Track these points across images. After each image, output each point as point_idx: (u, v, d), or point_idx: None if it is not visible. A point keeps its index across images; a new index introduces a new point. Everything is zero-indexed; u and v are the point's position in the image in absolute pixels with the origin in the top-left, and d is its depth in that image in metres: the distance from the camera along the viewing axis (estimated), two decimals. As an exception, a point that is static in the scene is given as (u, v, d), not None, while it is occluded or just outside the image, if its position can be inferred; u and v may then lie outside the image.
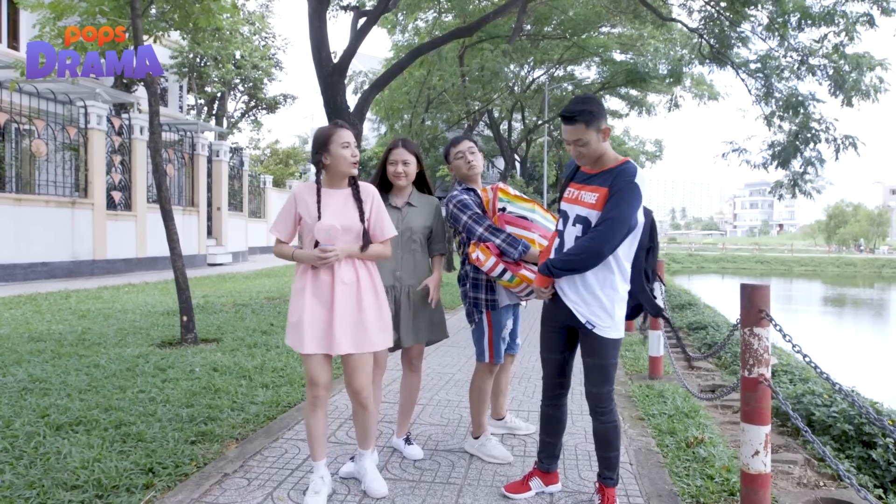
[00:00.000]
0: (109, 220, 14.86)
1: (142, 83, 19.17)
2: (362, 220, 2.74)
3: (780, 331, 2.62)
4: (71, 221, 13.74)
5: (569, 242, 2.63)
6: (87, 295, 10.48)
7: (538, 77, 26.15)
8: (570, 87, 27.36)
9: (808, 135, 10.97)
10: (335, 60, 10.14)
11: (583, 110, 2.52)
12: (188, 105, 24.28)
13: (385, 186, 3.26)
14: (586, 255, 2.52)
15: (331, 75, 9.71)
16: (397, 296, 3.17)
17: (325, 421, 2.78)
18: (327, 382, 2.74)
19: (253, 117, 28.13)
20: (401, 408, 3.41)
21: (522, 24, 16.43)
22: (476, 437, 3.38)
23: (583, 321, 2.60)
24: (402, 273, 3.19)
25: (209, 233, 19.84)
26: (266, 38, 25.84)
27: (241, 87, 25.69)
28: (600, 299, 2.58)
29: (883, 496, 3.28)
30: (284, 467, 3.12)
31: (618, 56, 21.66)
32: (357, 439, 2.94)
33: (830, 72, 9.78)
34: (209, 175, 19.74)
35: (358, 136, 10.64)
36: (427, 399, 4.57)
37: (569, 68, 25.77)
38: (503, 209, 3.16)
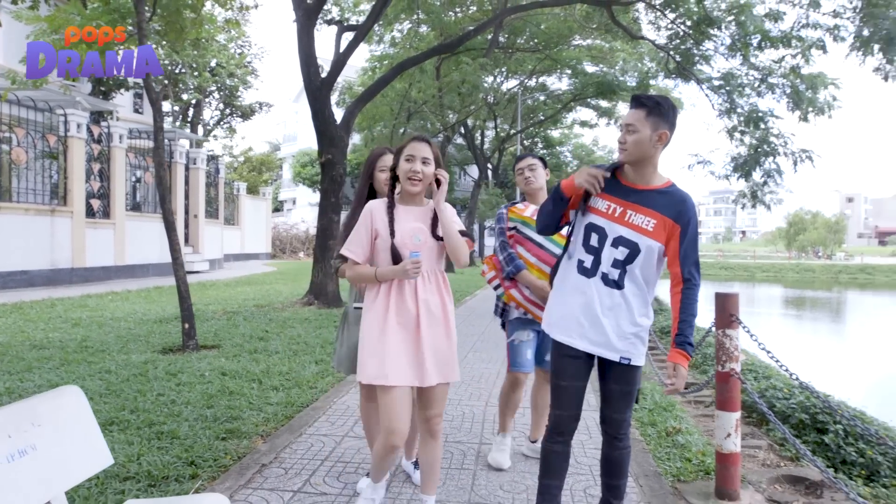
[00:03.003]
0: (88, 227, 14.87)
1: (120, 91, 19.19)
2: (434, 235, 2.55)
3: (749, 332, 3.08)
4: (50, 229, 13.73)
5: (606, 264, 2.41)
6: (73, 303, 10.57)
7: (511, 88, 26.80)
8: (542, 97, 28.12)
9: (768, 148, 11.69)
10: (323, 75, 10.47)
11: (652, 99, 2.36)
12: (165, 112, 24.26)
13: (370, 195, 3.03)
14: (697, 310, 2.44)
15: (319, 89, 10.04)
16: None
17: (395, 457, 2.60)
18: (406, 431, 2.47)
19: (227, 124, 28.14)
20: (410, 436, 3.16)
21: (498, 38, 16.99)
22: (497, 434, 3.56)
23: (617, 359, 2.42)
24: None
25: (186, 240, 19.87)
26: (242, 46, 25.93)
27: (216, 95, 25.71)
28: (639, 333, 2.44)
29: (834, 474, 3.77)
30: (315, 458, 3.47)
31: (589, 68, 22.41)
32: (421, 481, 2.69)
33: (788, 90, 10.51)
34: (186, 182, 19.80)
35: (344, 147, 10.97)
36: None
37: (541, 79, 26.52)
38: (513, 228, 3.41)
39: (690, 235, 2.36)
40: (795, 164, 10.96)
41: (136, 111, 22.70)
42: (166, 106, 24.68)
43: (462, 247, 2.53)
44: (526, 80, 25.94)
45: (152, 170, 17.85)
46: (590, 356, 2.46)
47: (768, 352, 3.05)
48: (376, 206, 2.57)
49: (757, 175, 12.16)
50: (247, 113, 27.41)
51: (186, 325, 6.61)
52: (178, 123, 25.38)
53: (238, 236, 27.59)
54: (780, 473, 3.47)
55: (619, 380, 2.45)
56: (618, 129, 2.33)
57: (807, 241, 70.31)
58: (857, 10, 8.73)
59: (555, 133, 36.36)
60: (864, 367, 12.67)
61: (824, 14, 9.50)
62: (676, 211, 2.36)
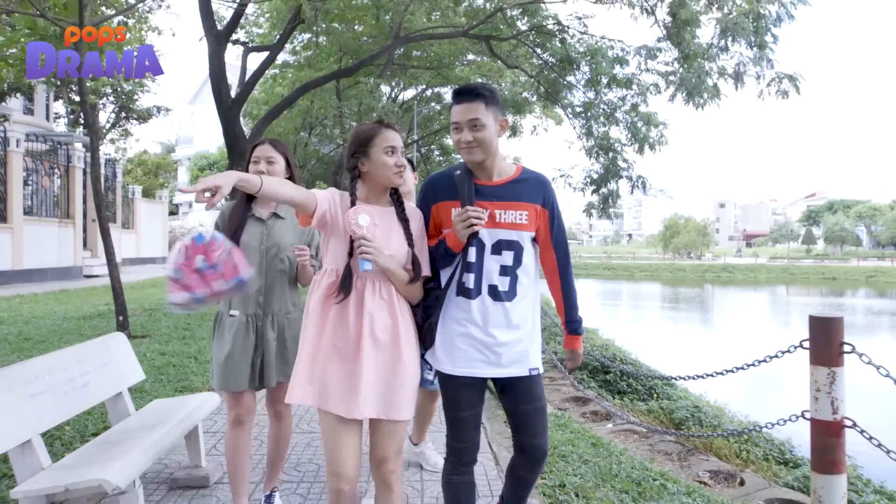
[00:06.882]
0: (-15, 232, 14.95)
1: (15, 94, 19.00)
2: (410, 244, 2.20)
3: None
4: (-54, 234, 13.79)
5: (490, 275, 2.19)
6: (-17, 306, 10.99)
7: (408, 99, 28.48)
8: (437, 107, 30.05)
9: (615, 170, 14.08)
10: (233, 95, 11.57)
11: (482, 87, 2.20)
12: (55, 114, 23.84)
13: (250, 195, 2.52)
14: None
15: (230, 108, 11.14)
16: (259, 325, 2.75)
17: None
18: (352, 475, 2.09)
19: (122, 127, 27.87)
20: (268, 459, 3.00)
21: (393, 59, 18.58)
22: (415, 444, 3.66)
23: (526, 373, 2.22)
24: (266, 298, 2.77)
25: (84, 244, 19.93)
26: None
27: (111, 98, 25.48)
28: (536, 339, 2.29)
29: (611, 397, 5.65)
30: (262, 397, 4.83)
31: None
32: None
33: (629, 124, 12.87)
34: (84, 187, 19.87)
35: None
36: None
37: (436, 90, 28.41)
38: None
39: (558, 215, 2.29)
40: (633, 188, 13.45)
41: (26, 112, 22.25)
42: (58, 107, 24.26)
43: (414, 293, 2.23)
44: (423, 91, 27.70)
45: (45, 172, 17.95)
46: (481, 379, 2.24)
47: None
48: (339, 195, 2.22)
49: (605, 191, 14.54)
50: (144, 116, 27.28)
51: (121, 317, 7.65)
52: (70, 128, 24.96)
53: (134, 240, 27.36)
54: (569, 396, 5.27)
55: (527, 398, 2.24)
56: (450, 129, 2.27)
57: (680, 243, 77.22)
58: (681, 64, 11.11)
59: (450, 141, 38.42)
60: (683, 336, 15.63)
61: (659, 63, 11.91)
62: (542, 195, 2.25)
